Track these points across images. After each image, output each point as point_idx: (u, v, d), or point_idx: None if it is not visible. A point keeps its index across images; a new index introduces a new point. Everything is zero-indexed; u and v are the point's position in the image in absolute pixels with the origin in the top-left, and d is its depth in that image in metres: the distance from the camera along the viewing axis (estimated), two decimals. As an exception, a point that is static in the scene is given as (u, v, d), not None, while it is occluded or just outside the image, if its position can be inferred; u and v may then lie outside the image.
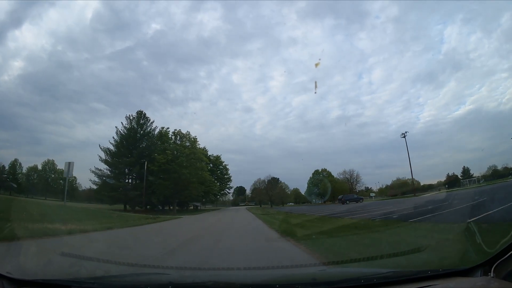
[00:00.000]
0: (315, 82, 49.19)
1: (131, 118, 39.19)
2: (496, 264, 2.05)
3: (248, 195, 78.49)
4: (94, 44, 65.43)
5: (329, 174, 63.78)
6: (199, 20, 75.94)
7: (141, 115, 39.68)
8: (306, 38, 76.37)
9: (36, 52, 61.52)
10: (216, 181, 49.61)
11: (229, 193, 64.65)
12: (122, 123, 38.68)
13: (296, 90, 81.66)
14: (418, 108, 75.32)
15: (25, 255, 4.29)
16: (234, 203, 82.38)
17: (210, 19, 76.83)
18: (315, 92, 67.88)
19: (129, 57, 70.04)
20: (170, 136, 38.46)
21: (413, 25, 66.48)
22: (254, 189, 78.82)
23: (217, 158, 57.16)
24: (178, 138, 38.69)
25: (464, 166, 51.60)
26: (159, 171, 34.71)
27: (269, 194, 69.87)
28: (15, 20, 60.96)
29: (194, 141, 39.14)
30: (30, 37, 64.02)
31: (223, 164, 59.77)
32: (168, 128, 39.68)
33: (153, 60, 74.83)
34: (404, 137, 44.20)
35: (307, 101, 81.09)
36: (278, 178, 70.92)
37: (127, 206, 35.35)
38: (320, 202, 62.23)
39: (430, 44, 66.17)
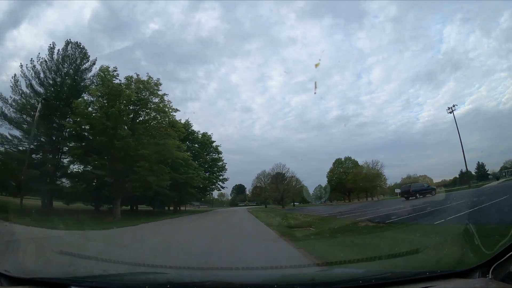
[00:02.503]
0: (315, 83, 48.77)
1: (54, 48, 23.91)
2: (494, 265, 2.23)
3: (248, 194, 76.63)
4: (92, 44, 65.69)
5: (355, 164, 53.61)
6: (197, 20, 76.27)
7: (77, 47, 24.95)
8: (305, 37, 77.62)
9: (34, 52, 60.92)
10: (200, 168, 37.83)
11: (222, 188, 49.07)
12: (40, 55, 23.47)
13: (295, 90, 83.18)
14: (417, 108, 77.84)
15: (23, 253, 4.28)
16: (233, 203, 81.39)
17: (208, 19, 77.36)
18: (315, 93, 66.69)
19: (127, 57, 70.17)
20: (119, 82, 23.07)
21: (412, 24, 67.52)
22: (256, 187, 65.30)
23: (205, 136, 44.00)
24: (132, 86, 23.58)
25: (478, 162, 51.52)
26: (79, 134, 22.23)
27: (280, 190, 54.99)
28: (14, 20, 60.49)
29: (157, 90, 24.05)
30: (29, 37, 63.36)
31: (214, 145, 45.25)
32: (116, 68, 23.36)
33: (152, 60, 75.62)
34: (452, 112, 36.91)
35: (306, 101, 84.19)
36: (284, 173, 57.86)
37: (67, 202, 23.99)
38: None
39: (429, 43, 68.16)
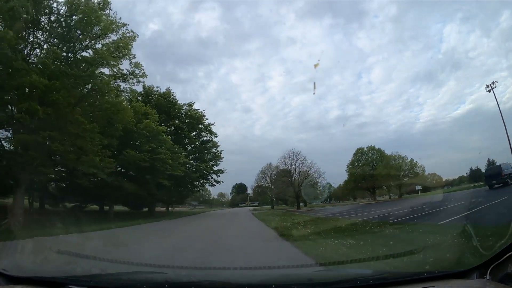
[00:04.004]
0: (314, 83, 48.40)
1: None
2: (492, 266, 2.32)
3: (249, 194, 75.91)
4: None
5: (380, 153, 47.40)
6: (197, 20, 76.60)
7: None
8: (305, 37, 78.46)
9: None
10: (181, 149, 28.37)
11: (217, 182, 38.26)
12: None
13: (295, 90, 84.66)
14: (417, 107, 79.34)
15: (21, 253, 4.32)
16: (233, 203, 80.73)
17: (208, 19, 77.48)
18: (314, 93, 66.51)
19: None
20: None
21: (412, 24, 68.35)
22: (258, 186, 55.23)
23: (191, 106, 34.63)
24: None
25: (489, 159, 49.73)
26: None
27: (295, 186, 44.03)
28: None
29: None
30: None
31: (205, 123, 35.50)
32: None
33: (151, 60, 76.20)
34: (491, 90, 31.81)
35: (306, 101, 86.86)
36: (290, 171, 48.81)
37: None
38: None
39: (429, 43, 69.33)
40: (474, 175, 50.46)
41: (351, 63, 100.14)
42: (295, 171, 45.16)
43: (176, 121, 32.51)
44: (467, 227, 5.51)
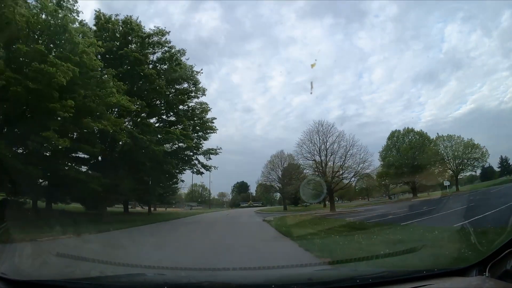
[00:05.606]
0: (311, 83, 48.44)
1: None
2: (491, 263, 2.36)
3: (251, 193, 74.92)
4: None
5: (422, 136, 38.24)
6: (197, 20, 76.44)
7: None
8: (306, 37, 79.74)
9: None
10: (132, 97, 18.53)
11: (207, 169, 25.79)
12: None
13: (296, 90, 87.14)
14: (419, 107, 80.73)
15: (20, 256, 4.37)
16: (233, 203, 79.68)
17: (208, 19, 77.27)
18: (311, 93, 67.87)
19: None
20: None
21: (413, 23, 69.65)
22: (261, 185, 45.57)
23: (161, 32, 23.28)
24: None
25: (501, 156, 50.67)
26: None
27: (327, 177, 31.33)
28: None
29: None
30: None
31: (189, 70, 24.53)
32: None
33: (150, 59, 73.87)
34: None
35: (307, 101, 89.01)
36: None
37: None
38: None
39: (430, 43, 71.16)
40: (487, 173, 49.42)
41: (352, 63, 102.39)
42: (326, 153, 31.14)
43: (132, 49, 20.32)
44: (466, 224, 5.50)
